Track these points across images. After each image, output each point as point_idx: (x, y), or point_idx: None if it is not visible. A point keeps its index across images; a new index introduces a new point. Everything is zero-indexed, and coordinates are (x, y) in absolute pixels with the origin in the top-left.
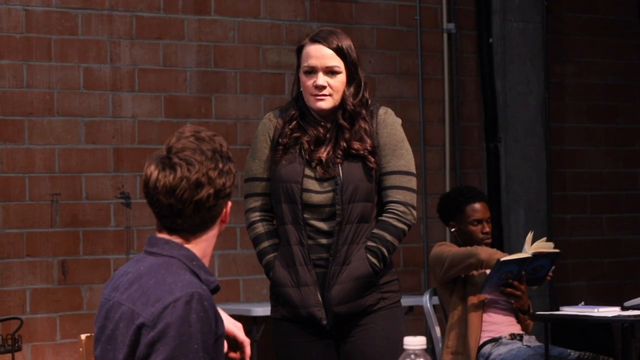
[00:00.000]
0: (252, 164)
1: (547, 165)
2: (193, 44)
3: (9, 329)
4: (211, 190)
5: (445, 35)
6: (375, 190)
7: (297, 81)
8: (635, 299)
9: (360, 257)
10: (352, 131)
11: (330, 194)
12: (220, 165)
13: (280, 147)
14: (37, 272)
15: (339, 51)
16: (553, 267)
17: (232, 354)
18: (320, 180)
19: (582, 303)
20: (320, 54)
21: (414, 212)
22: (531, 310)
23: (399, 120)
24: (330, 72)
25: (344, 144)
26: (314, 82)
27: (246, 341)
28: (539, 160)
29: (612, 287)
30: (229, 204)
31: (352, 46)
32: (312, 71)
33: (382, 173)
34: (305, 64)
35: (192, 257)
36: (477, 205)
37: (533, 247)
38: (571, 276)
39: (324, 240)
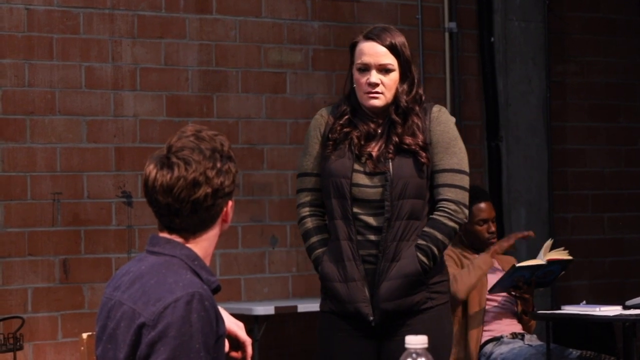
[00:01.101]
0: (303, 160)
1: (548, 164)
2: (194, 43)
3: (11, 327)
4: (209, 190)
5: (446, 35)
6: (427, 187)
7: (350, 78)
8: (637, 298)
9: (410, 255)
10: (405, 126)
11: (380, 189)
12: (219, 165)
13: (330, 142)
14: (38, 271)
15: (393, 49)
16: (563, 272)
17: (234, 354)
18: (370, 174)
19: (584, 302)
20: (374, 52)
21: (466, 211)
22: (534, 310)
23: (453, 119)
24: (384, 70)
25: (396, 139)
26: (367, 79)
27: (247, 340)
28: (541, 160)
29: (614, 286)
30: (230, 203)
31: (406, 43)
32: (365, 68)
33: (434, 171)
34: (358, 61)
35: (194, 256)
36: (483, 205)
37: (549, 254)
38: (573, 275)
39: (373, 237)
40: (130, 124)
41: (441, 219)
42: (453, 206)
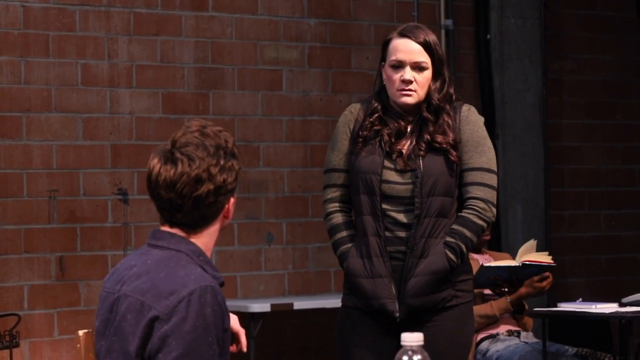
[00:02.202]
0: (331, 155)
1: (545, 161)
2: (191, 40)
3: (7, 325)
4: (211, 187)
5: (442, 32)
6: (456, 185)
7: (380, 75)
8: (633, 295)
9: (439, 252)
10: (436, 125)
11: (410, 186)
12: (222, 162)
13: (360, 139)
14: (34, 269)
15: (427, 46)
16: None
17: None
18: (400, 172)
19: (580, 299)
20: (409, 49)
21: (494, 210)
22: (526, 309)
23: (482, 118)
24: (418, 67)
25: (428, 137)
26: (401, 76)
27: (241, 331)
28: (537, 157)
29: (610, 283)
30: (232, 200)
31: (438, 42)
32: (399, 65)
33: (463, 169)
34: (393, 57)
35: (199, 252)
36: None
37: (527, 256)
38: (569, 272)
39: (401, 233)
40: (126, 121)
41: (470, 217)
42: (482, 204)
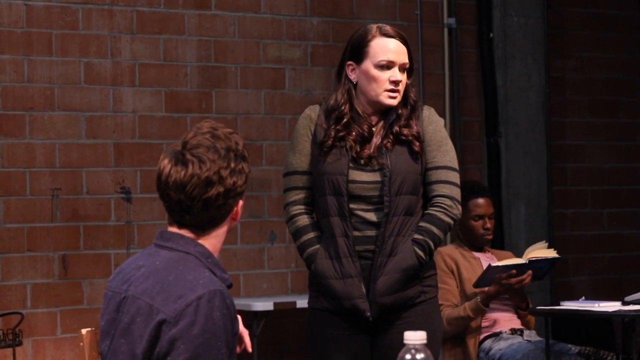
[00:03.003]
0: (292, 158)
1: (547, 160)
2: (193, 39)
3: (10, 323)
4: (221, 189)
5: (445, 30)
6: (421, 183)
7: (346, 74)
8: (636, 294)
9: (407, 249)
10: (403, 119)
11: (378, 185)
12: (233, 165)
13: (325, 149)
14: (37, 267)
15: (408, 48)
16: (552, 268)
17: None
18: (367, 171)
19: (583, 298)
20: (400, 50)
21: (459, 207)
22: (530, 306)
23: (442, 119)
24: (403, 69)
25: (397, 129)
26: (391, 77)
27: (245, 331)
28: (540, 155)
29: (613, 282)
30: (241, 202)
31: None
32: (389, 66)
33: (428, 168)
34: (382, 58)
35: (208, 254)
36: (480, 201)
37: (532, 253)
38: (572, 271)
39: (371, 232)
40: (129, 119)
41: (437, 214)
42: (448, 202)
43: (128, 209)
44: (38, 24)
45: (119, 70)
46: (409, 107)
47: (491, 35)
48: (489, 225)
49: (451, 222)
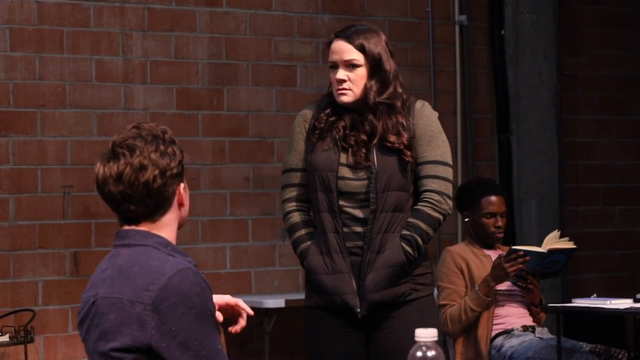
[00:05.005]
0: (288, 157)
1: (559, 157)
2: (205, 36)
3: (22, 320)
4: (156, 171)
5: (457, 27)
6: (411, 180)
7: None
8: None
9: (395, 245)
10: (388, 125)
11: (365, 182)
12: (162, 147)
13: (317, 132)
14: (49, 264)
15: (359, 45)
16: (568, 261)
17: (231, 329)
18: (355, 168)
19: (594, 295)
20: (339, 49)
21: (450, 202)
22: (543, 302)
23: (436, 113)
24: (350, 65)
25: (364, 137)
26: (336, 76)
27: (238, 301)
28: (551, 153)
29: (625, 279)
30: (182, 185)
31: (377, 41)
32: (334, 66)
33: (417, 163)
34: (329, 59)
35: (166, 242)
36: (493, 198)
37: (549, 243)
38: (583, 268)
39: (358, 228)
40: (140, 117)
41: (425, 209)
42: (437, 197)
43: None
44: (49, 21)
45: (130, 68)
46: (371, 109)
47: (502, 32)
48: (500, 223)
49: (440, 217)
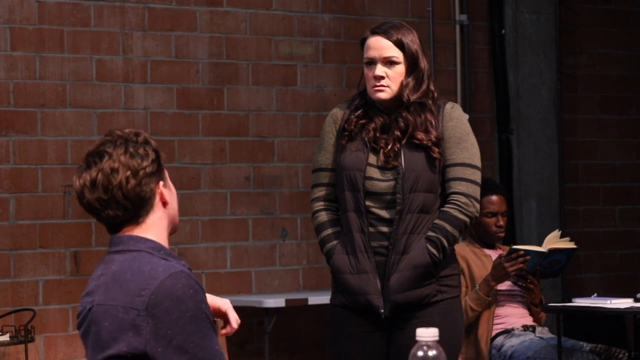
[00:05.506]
0: (318, 156)
1: (559, 156)
2: (205, 36)
3: (22, 320)
4: (127, 172)
5: (457, 27)
6: (439, 181)
7: (363, 74)
8: None
9: (420, 247)
10: (417, 122)
11: (392, 183)
12: (132, 149)
13: (346, 133)
14: (49, 264)
15: (397, 42)
16: (568, 261)
17: (223, 331)
18: (382, 168)
19: (595, 295)
20: (379, 46)
21: (477, 205)
22: (543, 302)
23: (466, 115)
24: (389, 62)
25: (398, 133)
26: (373, 72)
27: (227, 304)
28: (552, 152)
29: (625, 278)
30: (161, 183)
31: (414, 38)
32: (371, 62)
33: (446, 165)
34: (365, 55)
35: (159, 247)
36: (494, 198)
37: (549, 243)
38: (584, 268)
39: (384, 228)
40: (140, 116)
41: (451, 211)
42: (464, 199)
43: None
44: (50, 21)
45: (130, 67)
46: (405, 106)
47: (503, 31)
48: (501, 222)
49: (467, 219)
